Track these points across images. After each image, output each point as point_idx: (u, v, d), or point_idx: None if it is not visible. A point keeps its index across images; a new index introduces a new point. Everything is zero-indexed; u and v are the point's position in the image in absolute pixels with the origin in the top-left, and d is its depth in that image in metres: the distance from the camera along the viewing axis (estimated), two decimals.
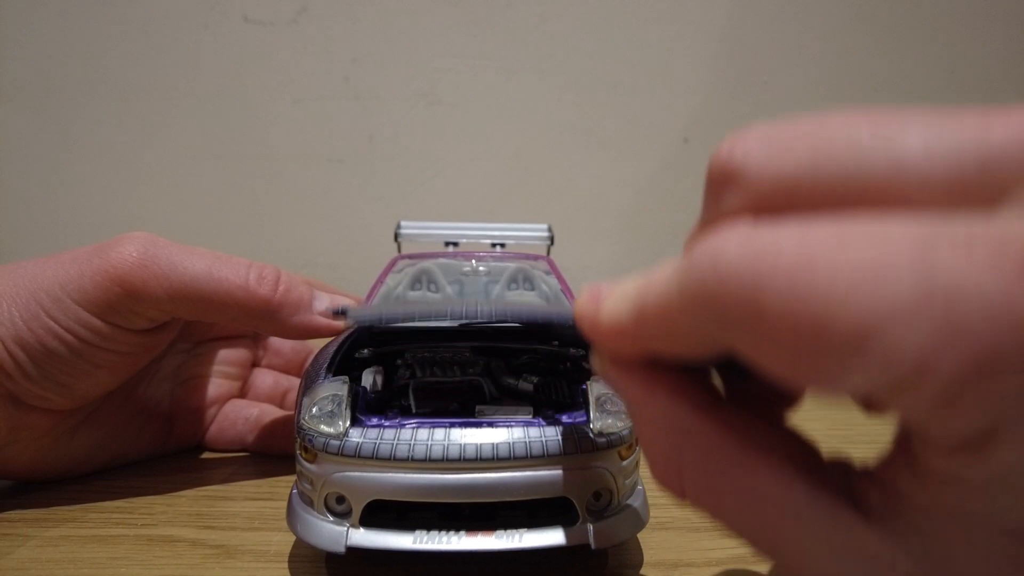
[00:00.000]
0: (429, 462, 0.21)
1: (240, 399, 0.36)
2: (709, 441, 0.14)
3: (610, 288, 0.15)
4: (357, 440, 0.21)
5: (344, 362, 0.27)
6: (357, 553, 0.21)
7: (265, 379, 0.38)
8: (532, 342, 0.30)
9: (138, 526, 0.27)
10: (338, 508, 0.22)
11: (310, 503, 0.22)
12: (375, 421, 0.22)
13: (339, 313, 0.24)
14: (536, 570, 0.24)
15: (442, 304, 0.24)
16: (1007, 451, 0.10)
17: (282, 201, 0.70)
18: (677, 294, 0.13)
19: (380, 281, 0.33)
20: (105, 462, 0.32)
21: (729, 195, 0.13)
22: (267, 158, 0.69)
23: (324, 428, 0.22)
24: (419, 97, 0.68)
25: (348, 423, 0.22)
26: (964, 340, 0.09)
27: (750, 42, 0.69)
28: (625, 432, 0.22)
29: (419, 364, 0.28)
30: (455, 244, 0.38)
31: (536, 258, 0.35)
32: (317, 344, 0.30)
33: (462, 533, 0.21)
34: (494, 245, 0.38)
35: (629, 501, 0.23)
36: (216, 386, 0.35)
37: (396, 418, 0.22)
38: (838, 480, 0.13)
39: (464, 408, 0.24)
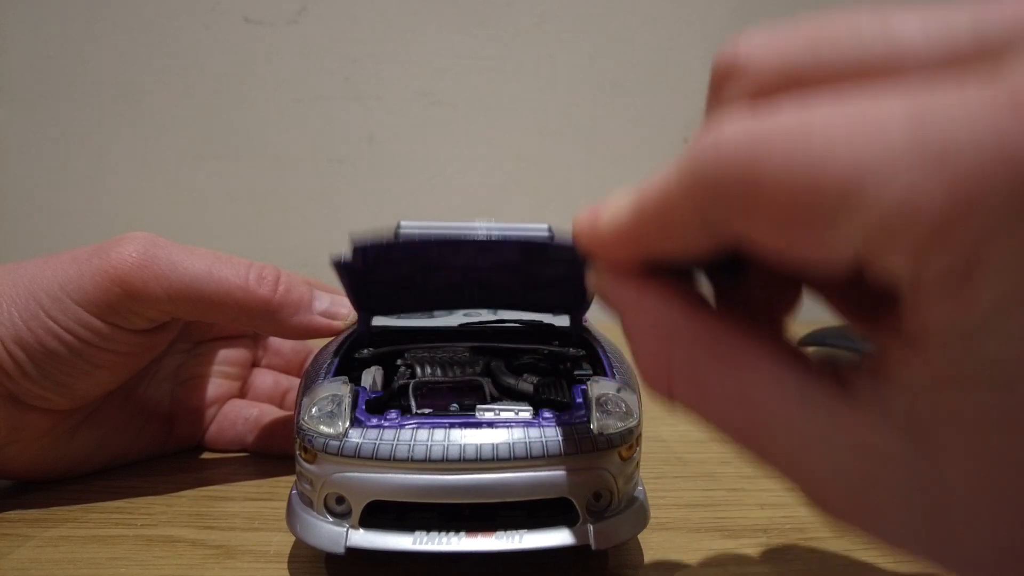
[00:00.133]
0: (429, 462, 0.21)
1: (240, 399, 0.36)
2: (697, 337, 0.14)
3: (607, 200, 0.16)
4: (357, 440, 0.21)
5: (344, 362, 0.27)
6: (357, 554, 0.21)
7: (265, 379, 0.38)
8: (532, 342, 0.30)
9: (138, 526, 0.27)
10: (338, 509, 0.22)
11: (310, 503, 0.22)
12: (375, 421, 0.22)
13: (351, 257, 0.24)
14: (536, 571, 0.24)
15: (455, 230, 0.23)
16: (990, 290, 0.10)
17: (282, 201, 0.70)
18: (677, 182, 0.13)
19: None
20: (105, 462, 0.32)
21: (731, 87, 0.14)
22: (267, 158, 0.69)
23: (324, 428, 0.22)
24: (419, 97, 0.68)
25: (348, 423, 0.22)
26: (955, 178, 0.10)
27: None
28: (625, 432, 0.22)
29: (419, 364, 0.28)
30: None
31: None
32: (317, 344, 0.30)
33: (462, 534, 0.21)
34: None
35: (629, 502, 0.23)
36: (216, 386, 0.35)
37: (396, 418, 0.22)
38: (827, 375, 0.13)
39: (464, 408, 0.24)
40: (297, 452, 0.23)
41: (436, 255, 0.25)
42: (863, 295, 0.16)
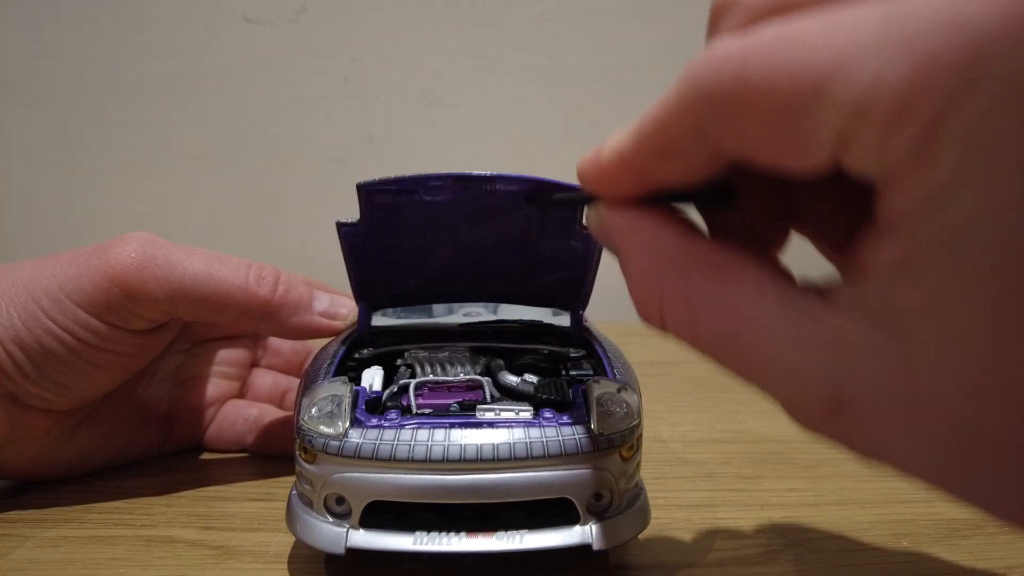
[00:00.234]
0: (429, 463, 0.21)
1: (239, 399, 0.36)
2: (690, 254, 0.16)
3: (608, 136, 0.17)
4: (357, 441, 0.21)
5: (344, 362, 0.27)
6: (357, 554, 0.21)
7: (264, 379, 0.38)
8: (532, 342, 0.30)
9: (137, 527, 0.27)
10: (338, 509, 0.22)
11: (310, 504, 0.22)
12: (375, 421, 0.22)
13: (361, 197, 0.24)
14: (537, 571, 0.24)
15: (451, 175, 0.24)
16: (949, 156, 0.11)
17: (282, 201, 0.70)
18: (675, 99, 0.14)
19: None
20: (104, 462, 0.32)
21: (726, 20, 0.15)
22: (267, 158, 0.69)
23: (324, 429, 0.22)
24: (419, 97, 0.68)
25: (348, 424, 0.22)
26: (917, 56, 0.11)
27: None
28: (626, 432, 0.22)
29: (419, 364, 0.28)
30: None
31: None
32: (316, 344, 0.30)
33: (463, 534, 0.21)
34: None
35: (630, 502, 0.23)
36: (215, 386, 0.35)
37: (396, 418, 0.22)
38: (808, 286, 0.14)
39: (464, 408, 0.24)
40: (297, 452, 0.23)
41: (439, 209, 0.25)
42: (844, 216, 0.17)
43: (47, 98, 0.67)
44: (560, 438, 0.21)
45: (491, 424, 0.22)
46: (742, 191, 0.17)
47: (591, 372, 0.27)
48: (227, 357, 0.36)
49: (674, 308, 0.16)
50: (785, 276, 0.15)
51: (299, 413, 0.23)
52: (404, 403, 0.24)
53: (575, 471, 0.21)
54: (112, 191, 0.69)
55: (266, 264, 0.29)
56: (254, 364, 0.38)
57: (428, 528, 0.21)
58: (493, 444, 0.21)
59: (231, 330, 0.37)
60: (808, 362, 0.13)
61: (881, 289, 0.12)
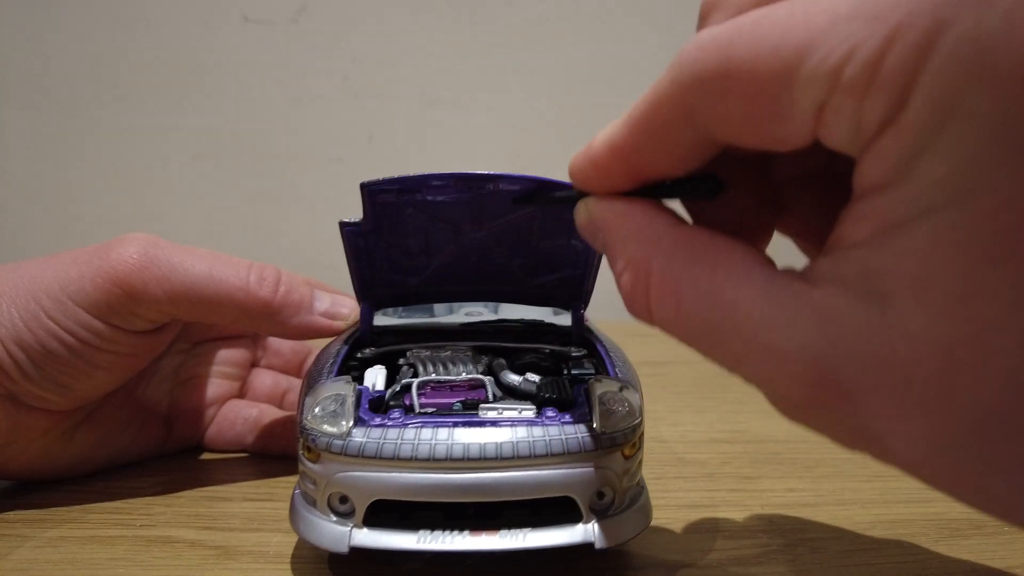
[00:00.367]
0: (432, 461, 0.21)
1: (239, 399, 0.36)
2: (676, 242, 0.16)
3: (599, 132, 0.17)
4: (360, 440, 0.21)
5: (346, 362, 0.27)
6: (360, 553, 0.21)
7: (264, 379, 0.37)
8: (534, 341, 0.30)
9: (137, 527, 0.27)
10: (341, 508, 0.22)
11: (313, 503, 0.22)
12: (378, 420, 0.22)
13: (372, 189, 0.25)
14: (540, 569, 0.24)
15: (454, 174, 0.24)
16: (920, 112, 0.11)
17: (282, 201, 0.70)
18: (665, 85, 0.15)
19: None
20: (104, 462, 0.31)
21: (715, 14, 0.15)
22: (267, 158, 0.69)
23: (327, 428, 0.22)
24: (419, 97, 0.68)
25: (351, 423, 0.22)
26: (887, 19, 0.11)
27: None
28: (628, 431, 0.22)
29: (421, 363, 0.28)
30: None
31: None
32: (317, 344, 0.30)
33: (466, 533, 0.21)
34: None
35: (632, 501, 0.23)
36: (215, 386, 0.35)
37: (399, 418, 0.22)
38: (793, 272, 0.14)
39: (467, 407, 0.24)
40: (300, 452, 0.23)
41: (441, 209, 0.25)
42: (826, 210, 0.17)
43: (47, 98, 0.67)
44: (563, 437, 0.21)
45: (494, 423, 0.22)
46: (728, 185, 0.17)
47: (593, 371, 0.27)
48: (227, 357, 0.36)
49: (660, 295, 0.16)
50: (770, 262, 0.15)
51: (302, 412, 0.23)
52: (407, 402, 0.24)
53: (577, 470, 0.21)
54: (112, 191, 0.69)
55: (267, 264, 0.29)
56: (254, 364, 0.38)
57: (431, 527, 0.21)
58: (496, 443, 0.21)
59: (231, 330, 0.36)
60: (793, 343, 0.13)
61: (861, 260, 0.13)
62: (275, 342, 0.39)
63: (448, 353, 0.28)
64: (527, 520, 0.22)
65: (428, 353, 0.28)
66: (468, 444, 0.21)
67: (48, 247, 0.29)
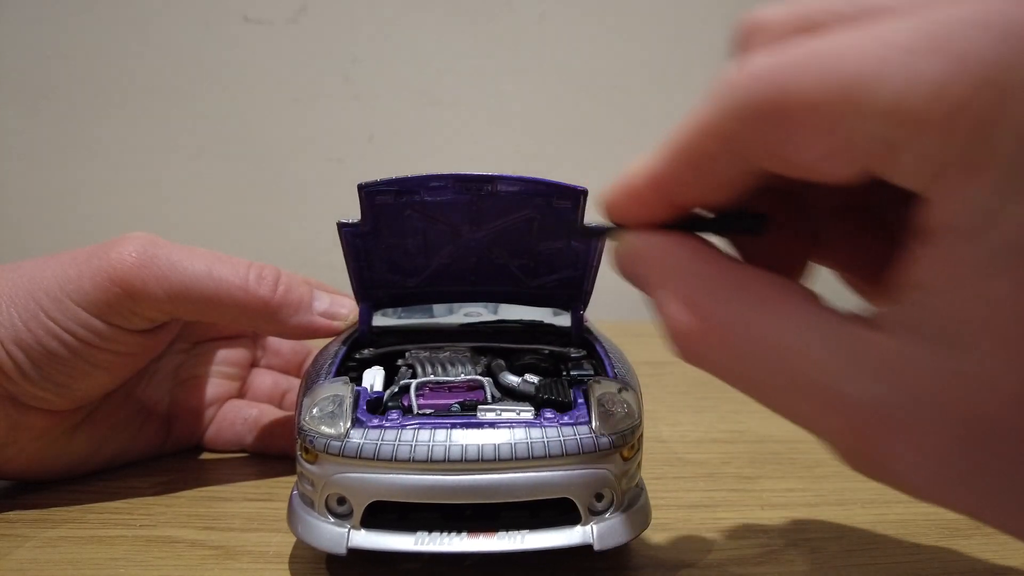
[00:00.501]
0: (430, 463, 0.21)
1: (239, 399, 0.36)
2: (730, 283, 0.15)
3: (630, 164, 0.17)
4: (358, 441, 0.21)
5: (345, 362, 0.27)
6: (358, 554, 0.21)
7: (264, 379, 0.37)
8: (533, 342, 0.30)
9: (137, 527, 0.27)
10: (339, 509, 0.22)
11: (311, 504, 0.22)
12: (376, 422, 0.22)
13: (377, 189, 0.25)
14: (538, 571, 0.24)
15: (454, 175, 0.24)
16: (1003, 153, 0.11)
17: (282, 201, 0.70)
18: (711, 113, 0.14)
19: None
20: (104, 462, 0.32)
21: (754, 40, 0.15)
22: (266, 157, 0.69)
23: (325, 429, 0.22)
24: (419, 97, 0.68)
25: (349, 424, 0.22)
26: (948, 54, 0.11)
27: None
28: (627, 432, 0.22)
29: (420, 364, 0.28)
30: None
31: None
32: (316, 344, 0.30)
33: (464, 534, 0.21)
34: None
35: (631, 502, 0.23)
36: (215, 386, 0.35)
37: (397, 419, 0.22)
38: (850, 314, 0.14)
39: (465, 409, 0.24)
40: (298, 453, 0.23)
41: (440, 209, 0.25)
42: (870, 239, 0.17)
43: (47, 98, 0.67)
44: (561, 438, 0.21)
45: (492, 424, 0.22)
46: (770, 211, 0.17)
47: (592, 372, 0.27)
48: (227, 357, 0.36)
49: (714, 338, 0.15)
50: (822, 302, 0.14)
51: (300, 413, 0.23)
52: (405, 403, 0.24)
53: (576, 471, 0.21)
54: (112, 191, 0.69)
55: (266, 264, 0.29)
56: (254, 364, 0.38)
57: (429, 528, 0.21)
58: (494, 444, 0.21)
59: (231, 330, 0.36)
60: (861, 391, 0.13)
61: (936, 306, 0.12)
62: (275, 342, 0.39)
63: (447, 354, 0.28)
64: (525, 522, 0.21)
65: (427, 354, 0.28)
66: (466, 445, 0.21)
67: (48, 247, 0.29)
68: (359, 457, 0.21)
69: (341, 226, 0.26)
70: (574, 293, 0.29)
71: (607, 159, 0.70)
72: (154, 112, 0.67)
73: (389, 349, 0.29)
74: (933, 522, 0.28)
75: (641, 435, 0.24)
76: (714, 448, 0.36)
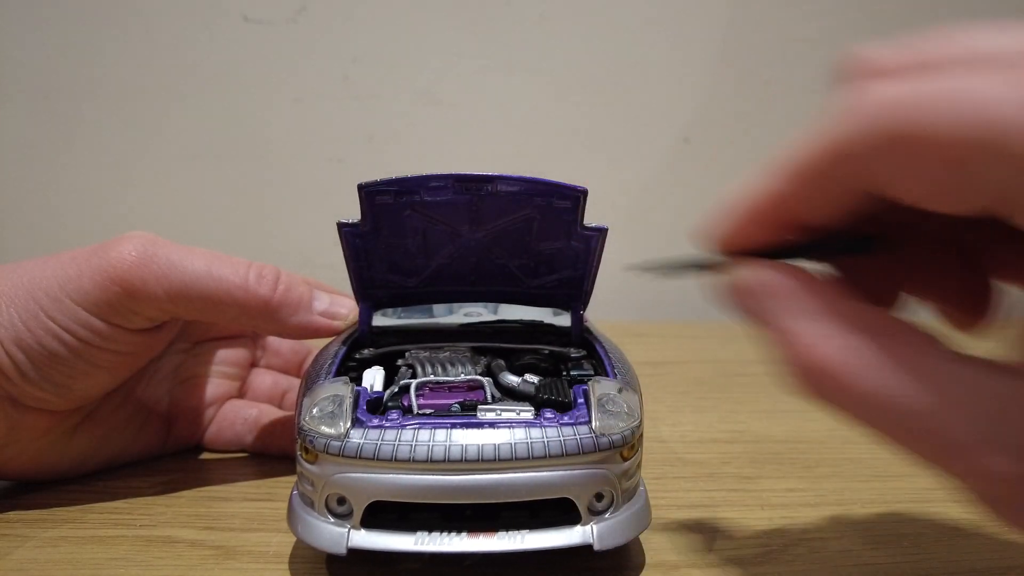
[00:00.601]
0: (430, 463, 0.21)
1: (239, 399, 0.36)
2: (860, 323, 0.15)
3: (736, 186, 0.17)
4: (358, 441, 0.21)
5: (345, 362, 0.27)
6: (358, 554, 0.21)
7: (264, 379, 0.37)
8: (533, 342, 0.30)
9: (137, 527, 0.27)
10: (339, 509, 0.22)
11: (311, 504, 0.22)
12: (376, 422, 0.22)
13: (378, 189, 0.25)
14: (538, 571, 0.24)
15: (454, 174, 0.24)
16: None
17: (282, 201, 0.70)
18: (837, 137, 0.14)
19: None
20: (104, 462, 0.32)
21: (866, 72, 0.15)
22: (267, 158, 0.69)
23: (325, 429, 0.22)
24: (419, 97, 0.68)
25: (349, 424, 0.22)
26: None
27: (750, 42, 0.69)
28: (627, 433, 0.22)
29: (420, 364, 0.28)
30: None
31: None
32: (316, 344, 0.30)
33: (464, 534, 0.21)
34: None
35: (631, 502, 0.23)
36: (215, 386, 0.35)
37: (397, 419, 0.22)
38: (987, 361, 0.14)
39: (465, 409, 0.24)
40: (298, 453, 0.23)
41: (440, 209, 0.25)
42: (976, 274, 0.17)
43: (46, 97, 0.67)
44: (561, 438, 0.21)
45: (492, 424, 0.22)
46: (879, 236, 0.17)
47: (592, 372, 0.27)
48: (227, 357, 0.36)
49: (844, 379, 0.15)
50: (950, 347, 0.14)
51: (300, 413, 0.23)
52: (405, 403, 0.24)
53: (576, 471, 0.21)
54: (112, 191, 0.69)
55: (266, 264, 0.29)
56: (253, 364, 0.38)
57: (429, 528, 0.21)
58: (494, 444, 0.21)
59: (231, 330, 0.36)
60: (1001, 436, 0.13)
61: None
62: (274, 342, 0.39)
63: (447, 354, 0.28)
64: (525, 521, 0.21)
65: (427, 354, 0.28)
66: (466, 446, 0.21)
67: (47, 247, 0.29)
68: (359, 457, 0.21)
69: (341, 226, 0.26)
70: (574, 293, 0.29)
71: (607, 159, 0.70)
72: (154, 112, 0.67)
73: (389, 349, 0.29)
74: (933, 522, 0.28)
75: (641, 435, 0.24)
76: (714, 448, 0.36)
